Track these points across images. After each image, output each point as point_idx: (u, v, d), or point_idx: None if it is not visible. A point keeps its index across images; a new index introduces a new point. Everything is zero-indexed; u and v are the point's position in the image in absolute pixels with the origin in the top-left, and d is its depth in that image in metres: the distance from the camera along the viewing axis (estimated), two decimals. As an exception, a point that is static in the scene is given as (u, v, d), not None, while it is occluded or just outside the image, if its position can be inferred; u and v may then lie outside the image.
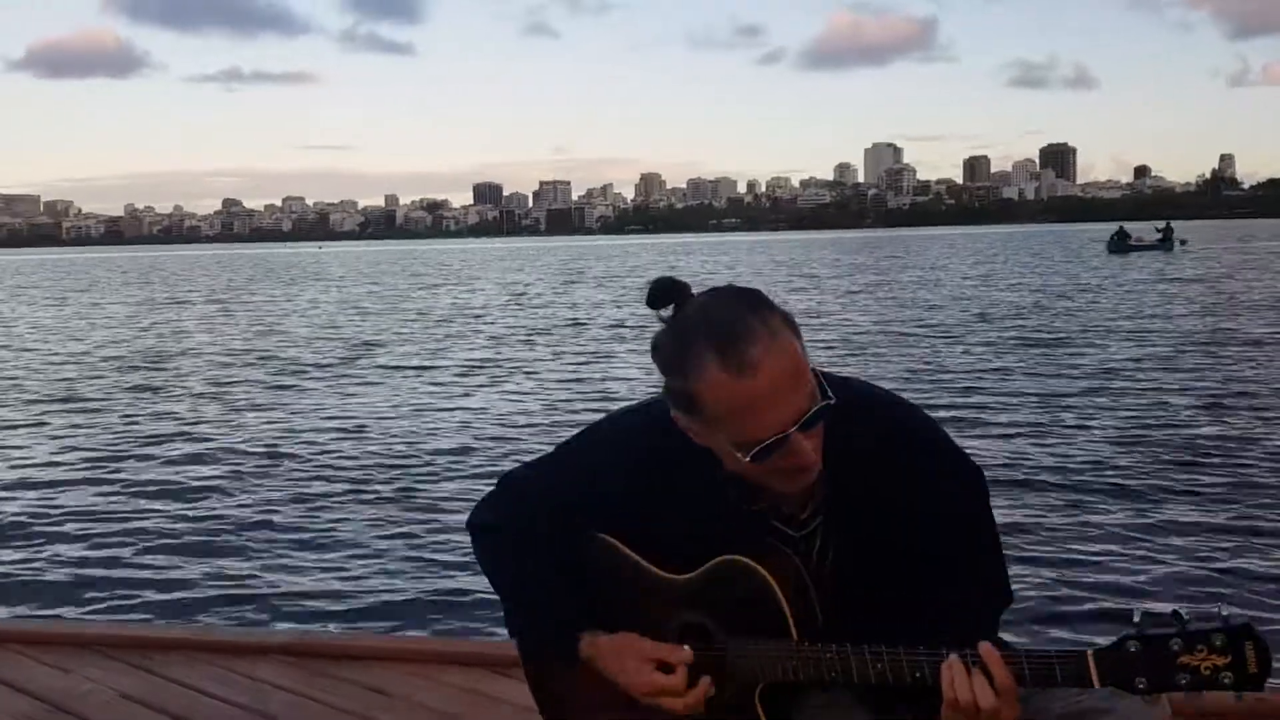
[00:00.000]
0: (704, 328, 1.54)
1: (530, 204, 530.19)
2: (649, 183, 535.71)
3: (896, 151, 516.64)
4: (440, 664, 3.30)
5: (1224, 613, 1.43)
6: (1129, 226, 64.98)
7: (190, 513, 7.95)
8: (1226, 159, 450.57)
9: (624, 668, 1.72)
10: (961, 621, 1.60)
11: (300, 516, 7.74)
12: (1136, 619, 1.47)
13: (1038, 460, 8.90)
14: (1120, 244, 57.43)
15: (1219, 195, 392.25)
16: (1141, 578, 6.03)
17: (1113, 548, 6.56)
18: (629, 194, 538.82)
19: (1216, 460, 8.75)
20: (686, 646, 1.72)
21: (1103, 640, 1.50)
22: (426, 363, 17.14)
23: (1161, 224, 62.09)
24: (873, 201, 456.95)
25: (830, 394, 1.57)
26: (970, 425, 10.43)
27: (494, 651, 3.32)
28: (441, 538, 7.01)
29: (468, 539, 1.93)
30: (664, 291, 1.61)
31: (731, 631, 1.70)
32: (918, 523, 1.64)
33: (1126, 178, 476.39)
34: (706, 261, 68.56)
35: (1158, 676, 1.44)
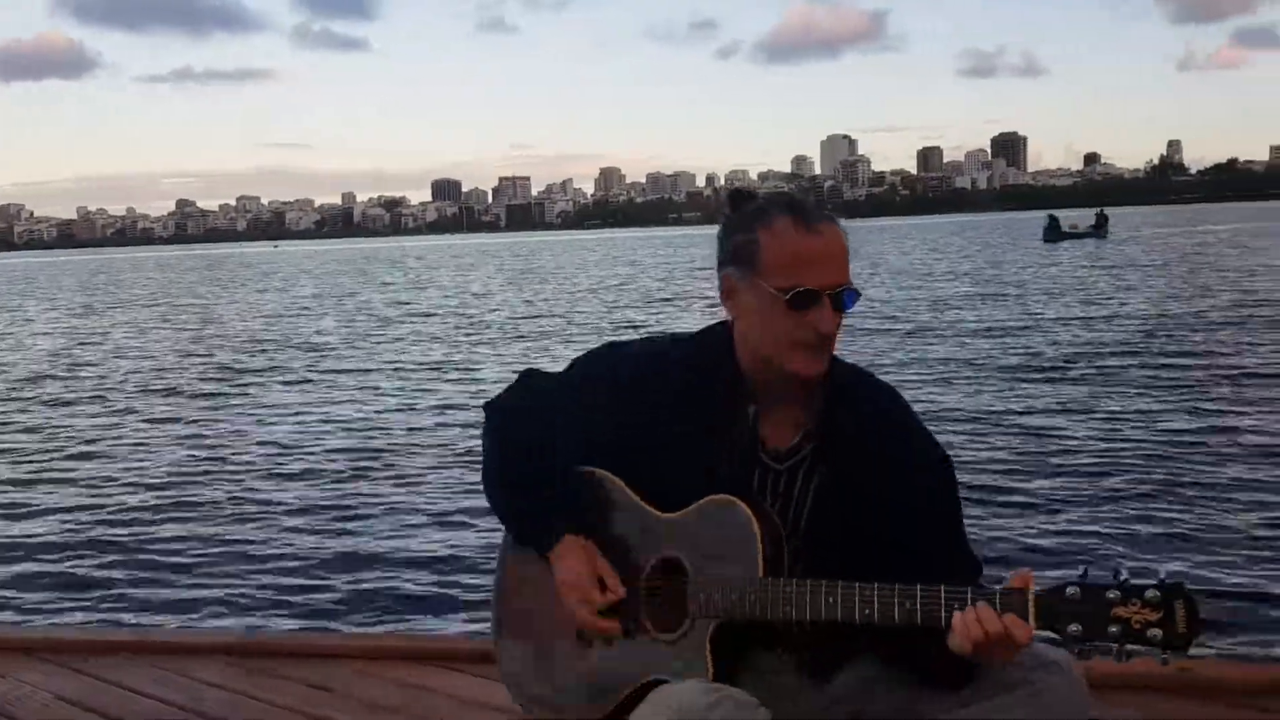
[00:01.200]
0: (781, 198, 1.80)
1: (490, 200, 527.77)
2: (609, 177, 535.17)
3: (852, 143, 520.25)
4: (381, 659, 3.28)
5: (1162, 573, 1.50)
6: (1065, 215, 65.57)
7: (130, 516, 7.87)
8: (1174, 145, 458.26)
9: (569, 565, 1.81)
10: (929, 571, 1.67)
11: (241, 519, 7.69)
12: (1080, 571, 1.55)
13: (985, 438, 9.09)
14: (1054, 233, 57.14)
15: (1168, 181, 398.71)
16: (1090, 540, 6.26)
17: (1063, 514, 6.82)
18: (589, 189, 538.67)
19: (1146, 435, 9.11)
20: (623, 588, 1.80)
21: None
22: (365, 364, 16.97)
23: (1096, 211, 62.37)
24: (829, 193, 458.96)
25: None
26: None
27: (436, 646, 3.31)
28: (381, 536, 6.98)
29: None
30: (738, 194, 1.87)
31: (704, 568, 1.77)
32: (898, 478, 1.77)
33: (1077, 165, 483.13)
34: (668, 254, 68.56)
35: (1091, 624, 1.51)
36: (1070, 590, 1.53)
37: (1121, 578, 1.52)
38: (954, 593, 1.60)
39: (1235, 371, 12.31)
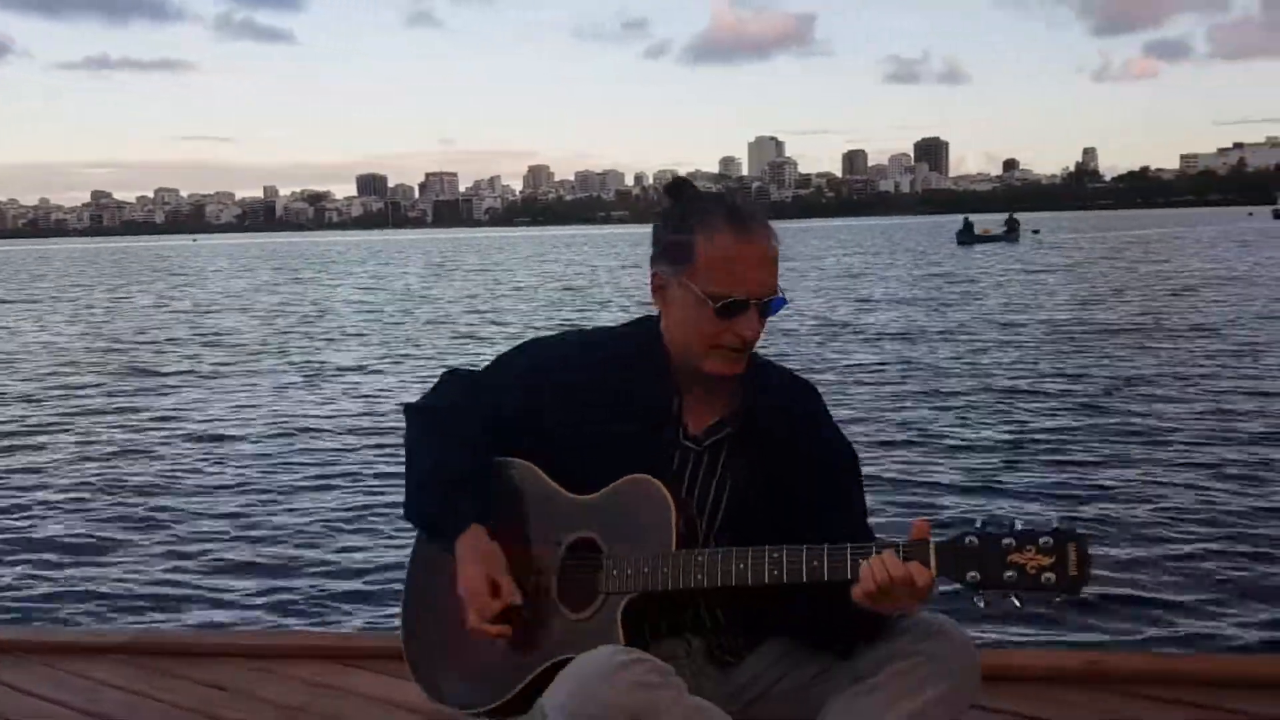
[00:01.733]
0: (720, 200, 1.84)
1: (417, 195, 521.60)
2: (537, 175, 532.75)
3: (779, 145, 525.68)
4: (284, 658, 3.22)
5: (1055, 520, 1.58)
6: (980, 219, 67.01)
7: (24, 517, 7.65)
8: (1089, 152, 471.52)
9: (471, 572, 1.80)
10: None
11: (139, 517, 7.55)
12: (978, 523, 1.62)
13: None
14: (967, 236, 58.25)
15: (1083, 187, 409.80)
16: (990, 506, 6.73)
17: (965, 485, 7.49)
18: (517, 186, 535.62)
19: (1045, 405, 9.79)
20: (519, 593, 1.81)
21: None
22: (273, 363, 16.69)
23: (1007, 215, 63.84)
24: (757, 194, 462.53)
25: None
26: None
27: (340, 644, 3.27)
28: (285, 534, 6.90)
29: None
30: (677, 185, 1.92)
31: (618, 546, 1.79)
32: (808, 468, 1.86)
33: (996, 170, 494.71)
34: (594, 253, 68.41)
35: (989, 571, 1.58)
36: (969, 539, 1.59)
37: (1017, 526, 1.59)
38: (859, 548, 1.66)
39: (1134, 373, 12.75)
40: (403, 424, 2.00)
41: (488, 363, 2.01)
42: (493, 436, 1.90)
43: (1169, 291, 24.43)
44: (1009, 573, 1.57)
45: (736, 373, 1.83)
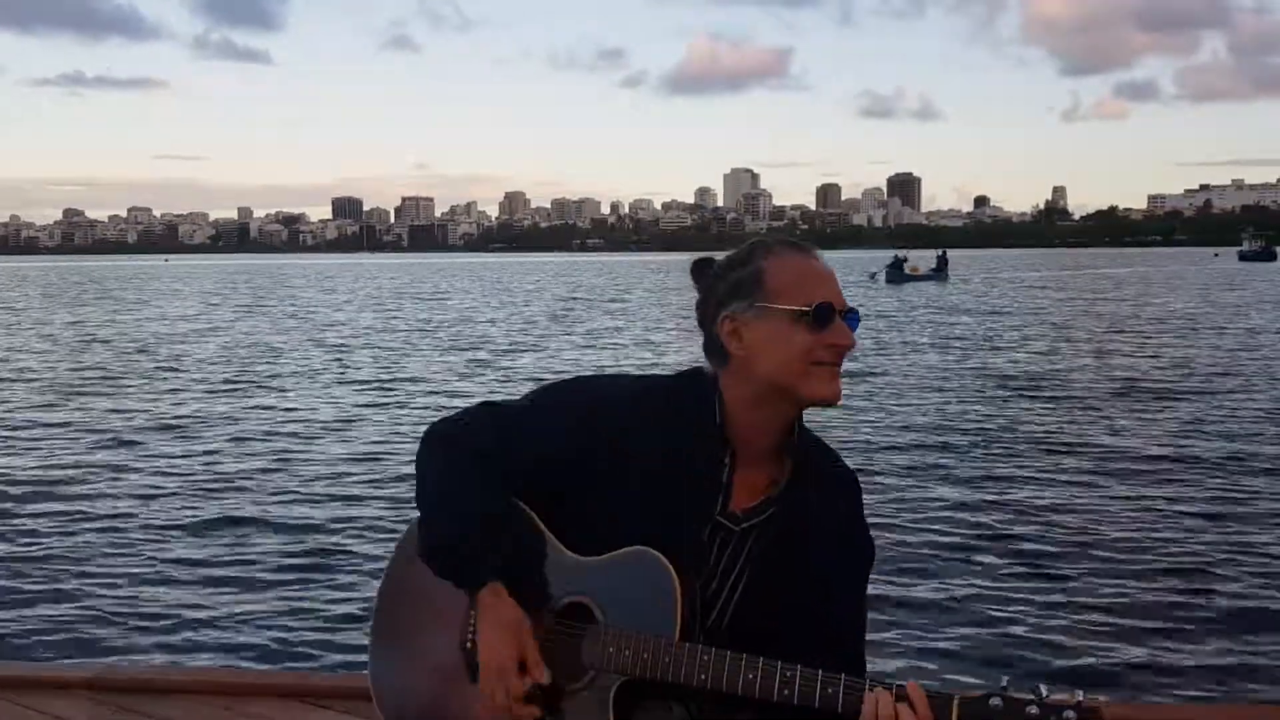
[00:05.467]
0: (774, 237, 1.82)
1: (392, 219, 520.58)
2: (513, 201, 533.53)
3: (754, 177, 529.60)
4: (246, 695, 3.26)
5: (1079, 696, 1.55)
6: (917, 254, 66.46)
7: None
8: (1059, 191, 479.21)
9: (498, 641, 1.70)
10: (844, 658, 1.73)
11: (102, 553, 7.46)
12: (1004, 682, 1.59)
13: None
14: (896, 274, 56.89)
15: (1053, 225, 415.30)
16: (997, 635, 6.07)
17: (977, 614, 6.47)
18: (493, 212, 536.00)
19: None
20: (548, 673, 1.71)
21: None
22: (222, 385, 16.59)
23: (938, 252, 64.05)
24: (731, 225, 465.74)
25: (799, 424, 1.82)
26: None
27: (302, 683, 3.29)
28: (247, 572, 6.85)
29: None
30: (700, 266, 1.87)
31: (615, 618, 1.72)
32: (835, 561, 1.80)
33: (967, 207, 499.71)
34: (567, 279, 68.34)
35: None
36: (994, 701, 1.56)
37: (1043, 695, 1.55)
38: (874, 684, 1.62)
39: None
40: (413, 447, 1.87)
41: (527, 396, 1.88)
42: (522, 481, 1.79)
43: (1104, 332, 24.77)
44: None
45: (839, 395, 1.75)
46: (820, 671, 1.63)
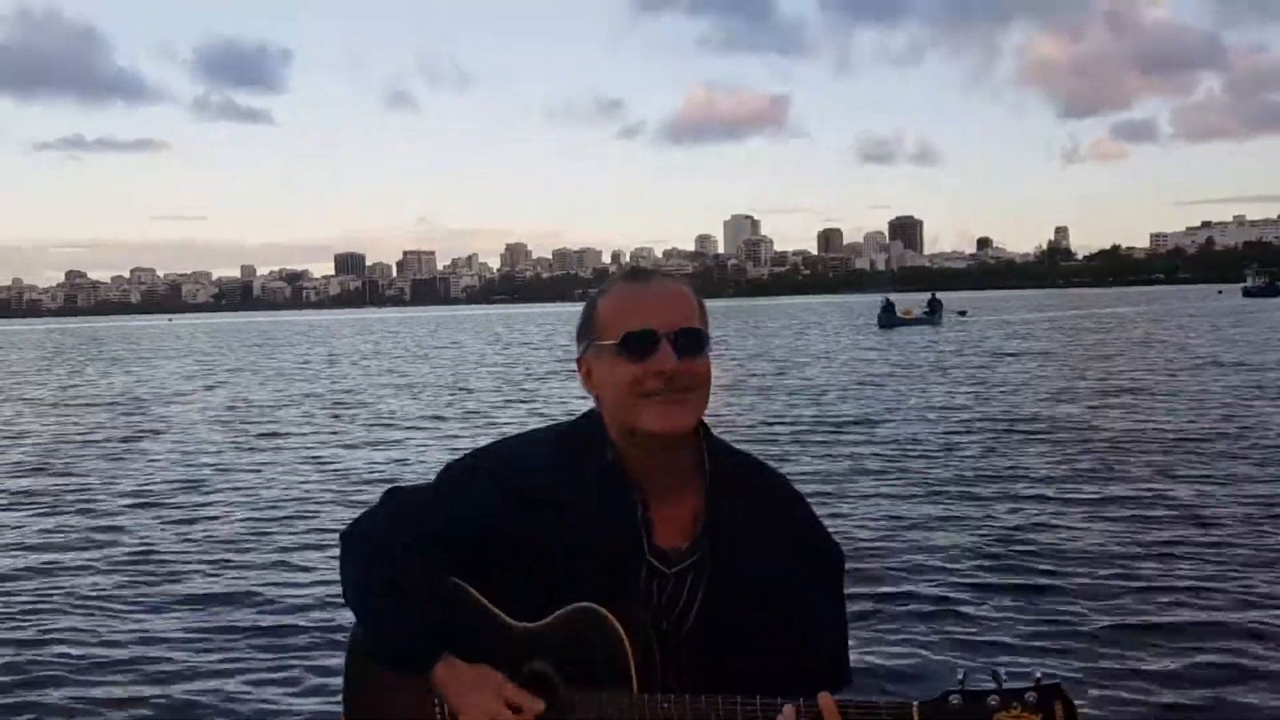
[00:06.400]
0: (620, 272, 1.80)
1: (394, 274, 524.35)
2: (514, 253, 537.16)
3: (754, 223, 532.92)
4: None
5: (1038, 674, 1.55)
6: (903, 297, 65.39)
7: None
8: (1062, 231, 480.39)
9: (475, 701, 1.69)
10: (824, 667, 1.73)
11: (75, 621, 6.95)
12: (960, 676, 1.57)
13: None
14: (888, 319, 55.00)
15: (1056, 265, 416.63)
16: (963, 640, 6.25)
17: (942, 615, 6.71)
18: (495, 264, 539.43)
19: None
20: (541, 699, 1.69)
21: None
22: (196, 447, 15.63)
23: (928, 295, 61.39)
24: (733, 271, 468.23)
25: (708, 446, 1.77)
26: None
27: None
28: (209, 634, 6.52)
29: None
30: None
31: (573, 678, 1.69)
32: (790, 576, 1.73)
33: (970, 249, 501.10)
34: (563, 330, 67.95)
35: None
36: (953, 699, 1.55)
37: (1001, 682, 1.54)
38: (842, 704, 1.59)
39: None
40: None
41: (438, 474, 1.85)
42: (440, 559, 1.75)
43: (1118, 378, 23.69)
44: None
45: (677, 426, 1.67)
46: (740, 699, 1.60)
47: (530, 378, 29.63)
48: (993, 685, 1.53)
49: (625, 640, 1.66)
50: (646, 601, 1.71)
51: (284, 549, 9.00)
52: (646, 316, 1.67)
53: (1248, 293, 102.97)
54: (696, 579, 1.71)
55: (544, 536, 1.70)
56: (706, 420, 1.79)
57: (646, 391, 1.65)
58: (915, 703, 1.56)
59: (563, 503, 1.72)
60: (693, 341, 1.67)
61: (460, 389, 26.17)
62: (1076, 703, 1.54)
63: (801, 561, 1.76)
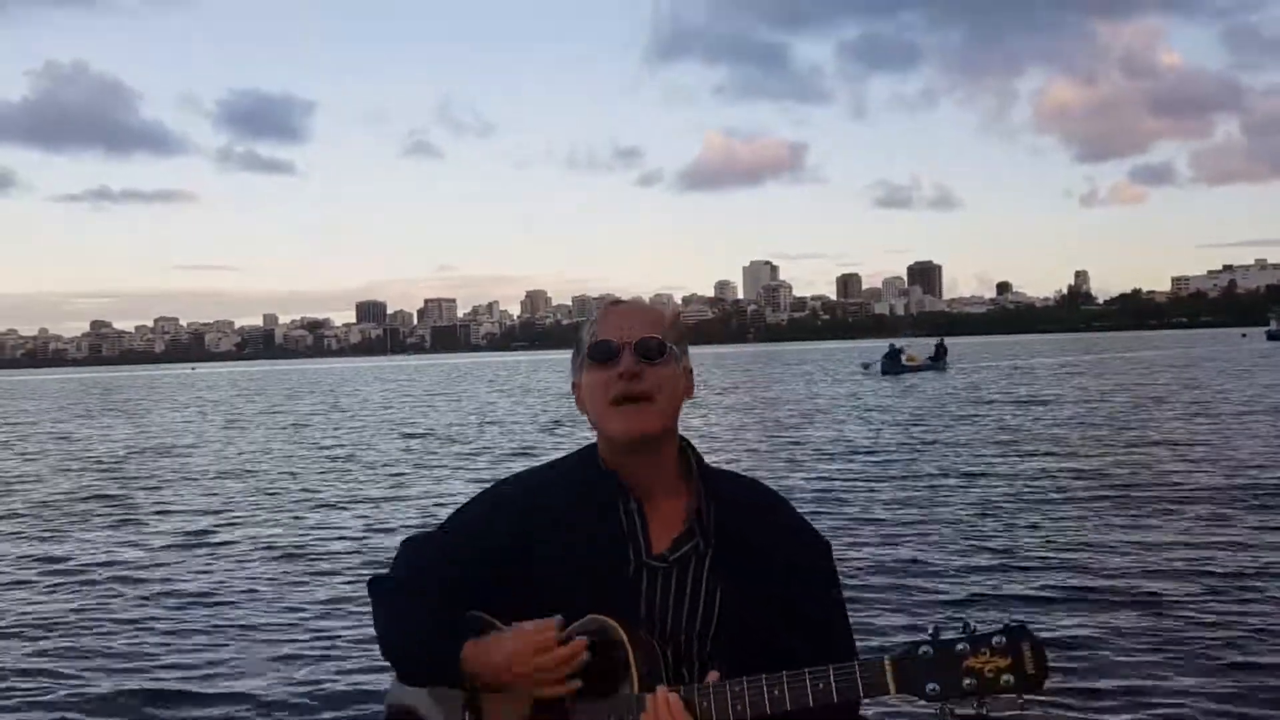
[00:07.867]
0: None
1: (415, 321, 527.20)
2: (535, 299, 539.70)
3: (773, 269, 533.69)
4: None
5: (1007, 619, 1.60)
6: (908, 342, 64.14)
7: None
8: (1082, 275, 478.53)
9: (506, 645, 1.73)
10: (832, 649, 1.75)
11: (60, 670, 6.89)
12: (930, 630, 1.61)
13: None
14: (893, 364, 53.30)
15: (1076, 309, 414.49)
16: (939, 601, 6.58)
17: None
18: (515, 310, 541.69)
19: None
20: (559, 617, 1.75)
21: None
22: (191, 502, 15.51)
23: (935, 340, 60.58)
24: (752, 317, 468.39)
25: (694, 458, 1.90)
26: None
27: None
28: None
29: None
30: None
31: (583, 693, 1.73)
32: (789, 570, 1.81)
33: (990, 293, 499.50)
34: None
35: (947, 680, 1.56)
36: (923, 650, 1.58)
37: (972, 629, 1.57)
38: (818, 671, 1.62)
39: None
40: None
41: (448, 517, 1.98)
42: (459, 590, 1.84)
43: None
44: (968, 680, 1.55)
45: (637, 431, 1.78)
46: (728, 685, 1.65)
47: (554, 427, 29.43)
48: (963, 633, 1.56)
49: (629, 645, 1.71)
50: (640, 604, 1.78)
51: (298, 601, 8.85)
52: (613, 330, 1.82)
53: (1272, 336, 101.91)
54: (700, 569, 1.80)
55: (548, 555, 1.80)
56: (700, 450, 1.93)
57: (613, 397, 1.78)
58: (886, 657, 1.59)
59: (562, 513, 1.82)
60: (652, 349, 1.80)
61: (472, 442, 26.04)
62: (1047, 649, 1.57)
63: (793, 549, 1.84)
